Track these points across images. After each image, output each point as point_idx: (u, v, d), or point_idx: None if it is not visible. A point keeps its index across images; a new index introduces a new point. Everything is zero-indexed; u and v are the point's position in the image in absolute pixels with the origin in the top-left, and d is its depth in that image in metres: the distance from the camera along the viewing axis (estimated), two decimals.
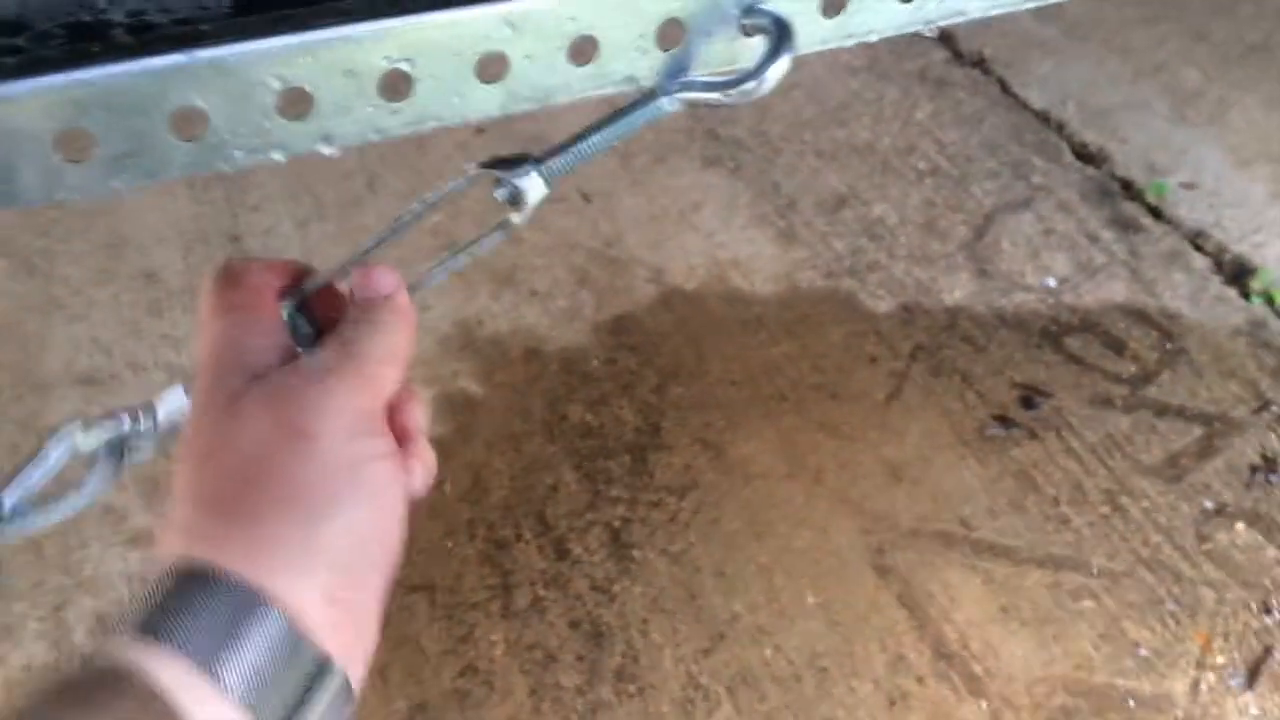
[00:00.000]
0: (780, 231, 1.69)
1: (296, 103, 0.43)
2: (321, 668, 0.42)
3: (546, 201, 0.55)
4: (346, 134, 0.46)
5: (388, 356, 0.48)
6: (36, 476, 0.50)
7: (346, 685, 0.43)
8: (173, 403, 0.52)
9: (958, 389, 1.44)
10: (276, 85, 0.43)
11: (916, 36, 2.17)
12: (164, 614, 0.41)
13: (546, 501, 1.29)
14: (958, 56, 2.11)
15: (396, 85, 0.45)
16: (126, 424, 0.50)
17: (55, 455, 0.50)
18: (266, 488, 0.43)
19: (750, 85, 0.49)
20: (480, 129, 1.82)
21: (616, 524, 1.27)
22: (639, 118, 0.52)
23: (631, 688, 1.12)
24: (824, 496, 1.30)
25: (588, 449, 1.35)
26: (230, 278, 0.50)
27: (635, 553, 1.24)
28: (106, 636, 0.41)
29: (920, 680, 1.12)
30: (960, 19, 0.55)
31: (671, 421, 1.39)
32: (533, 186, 0.53)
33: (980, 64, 2.08)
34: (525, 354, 1.47)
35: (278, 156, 0.47)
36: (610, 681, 1.12)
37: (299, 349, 0.49)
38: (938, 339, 1.51)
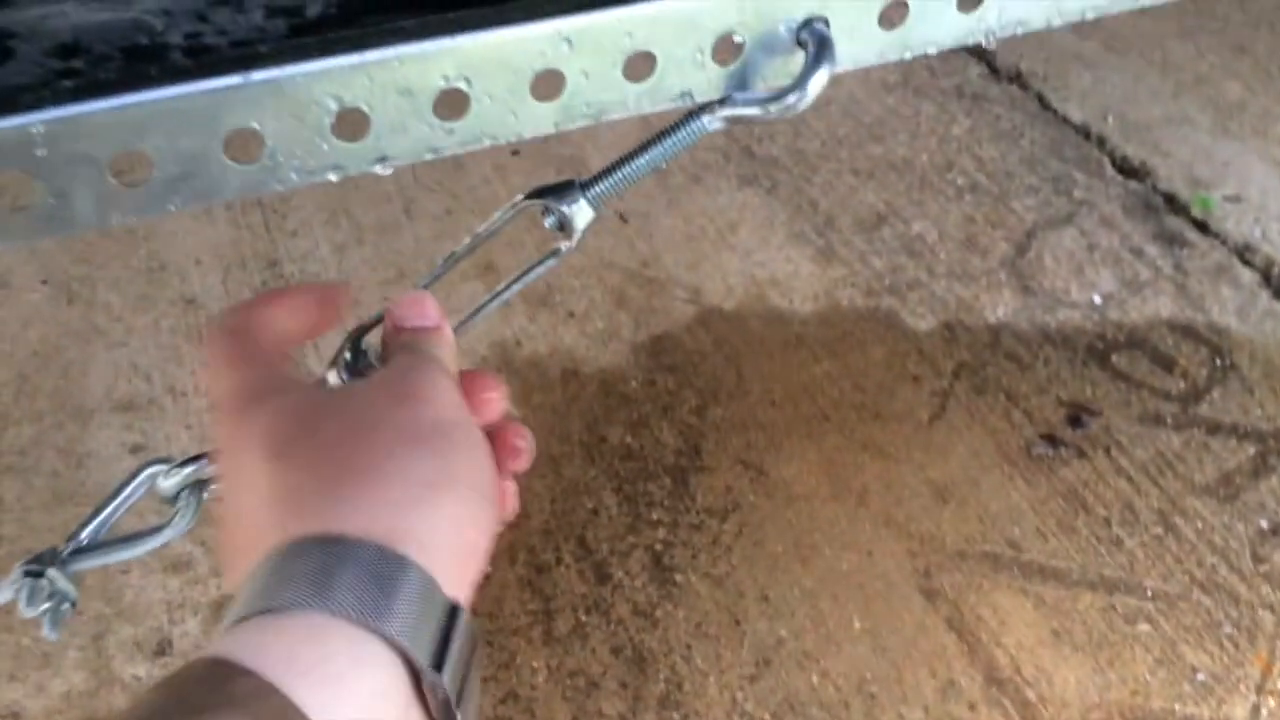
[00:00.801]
0: (819, 250, 1.68)
1: (352, 123, 0.43)
2: (453, 613, 0.41)
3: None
4: (401, 153, 0.45)
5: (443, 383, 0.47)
6: (114, 512, 0.51)
7: (474, 631, 0.42)
8: None
9: (1003, 408, 1.41)
10: (332, 106, 0.42)
11: (952, 52, 2.15)
12: (291, 583, 0.38)
13: (587, 525, 1.27)
14: (994, 72, 2.09)
15: (452, 104, 0.45)
16: (209, 467, 0.50)
17: (136, 493, 0.50)
18: (379, 444, 0.42)
19: (792, 99, 0.48)
20: (516, 150, 1.82)
21: (658, 547, 1.25)
22: (684, 138, 0.52)
23: (675, 715, 1.10)
24: (868, 518, 1.28)
25: (628, 471, 1.34)
26: (230, 334, 0.49)
27: (677, 576, 1.22)
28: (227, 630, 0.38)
29: (972, 707, 1.10)
30: (1021, 29, 0.54)
31: (712, 443, 1.38)
32: (580, 213, 0.53)
33: (1018, 79, 2.06)
34: (563, 375, 1.46)
35: (333, 177, 0.46)
36: (654, 709, 1.11)
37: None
38: (981, 357, 1.49)
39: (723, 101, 0.50)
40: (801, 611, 1.19)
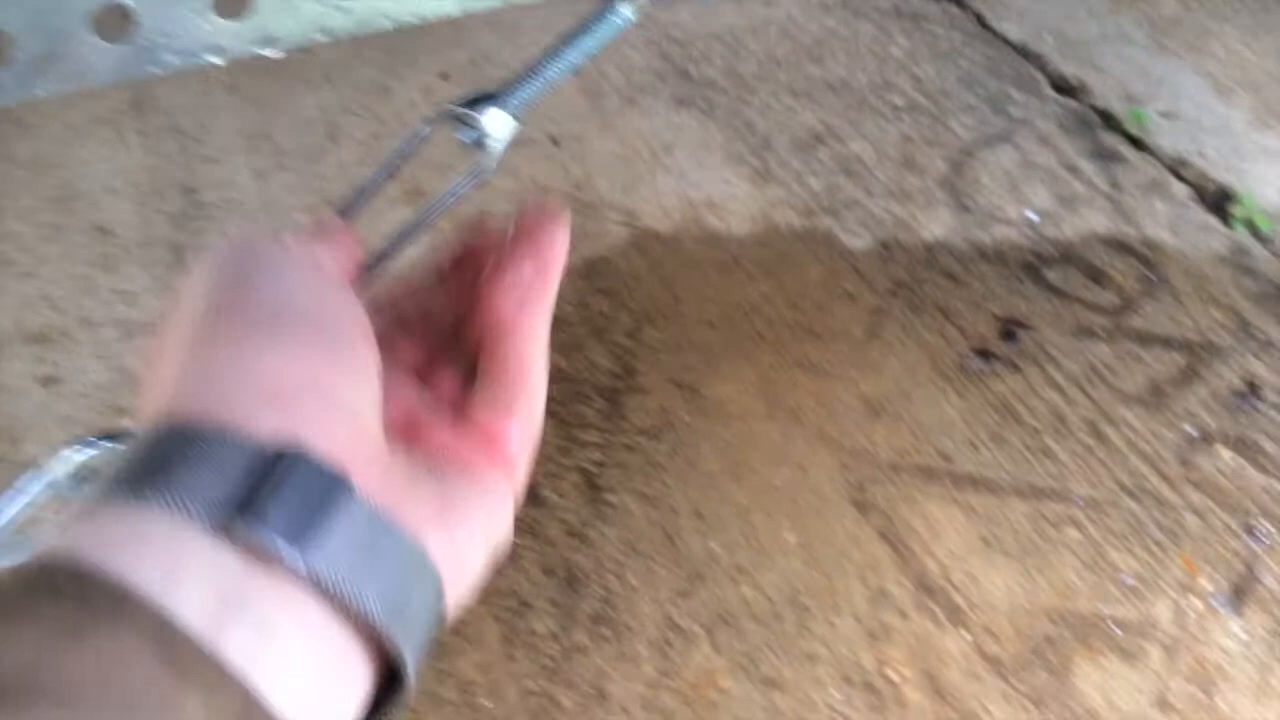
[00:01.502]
0: (755, 171, 1.66)
1: None
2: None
3: (514, 145, 0.51)
4: (290, 33, 0.42)
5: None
6: (11, 512, 0.46)
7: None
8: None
9: (937, 324, 1.41)
10: None
11: None
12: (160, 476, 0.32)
13: None
14: None
15: None
16: (109, 448, 0.45)
17: (34, 490, 0.46)
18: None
19: None
20: (445, 73, 1.77)
21: (591, 468, 1.24)
22: (600, 33, 0.49)
23: (608, 631, 1.10)
24: (802, 434, 1.28)
25: (561, 394, 1.32)
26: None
27: (610, 496, 1.21)
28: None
29: (902, 614, 1.10)
30: None
31: (646, 364, 1.36)
32: (499, 124, 0.50)
33: None
34: None
35: (215, 60, 0.43)
36: (586, 626, 1.10)
37: None
38: (916, 275, 1.48)
39: None
40: (734, 527, 1.18)
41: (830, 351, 1.38)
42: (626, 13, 0.47)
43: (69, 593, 0.29)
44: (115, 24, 0.36)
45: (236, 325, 0.36)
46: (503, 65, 1.81)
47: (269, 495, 0.32)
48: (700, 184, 1.63)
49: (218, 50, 0.41)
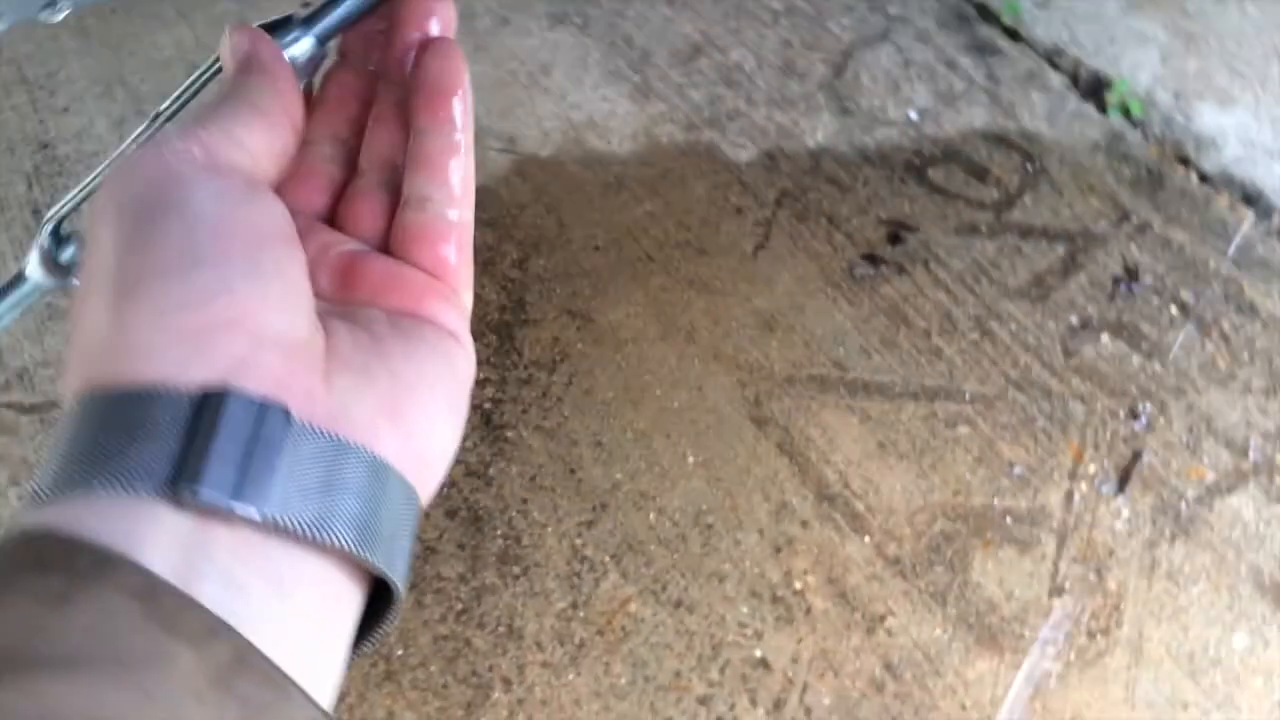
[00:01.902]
0: (635, 87, 1.62)
1: None
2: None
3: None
4: None
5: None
6: None
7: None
8: None
9: (825, 232, 1.41)
10: None
11: None
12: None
13: None
14: None
15: None
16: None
17: None
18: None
19: None
20: (307, 3, 1.69)
21: (487, 405, 1.23)
22: None
23: (516, 569, 1.10)
24: (697, 354, 1.28)
25: None
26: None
27: (509, 433, 1.20)
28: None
29: (805, 524, 1.12)
30: None
31: (536, 295, 1.34)
32: (302, 51, 0.47)
33: None
34: None
35: (55, 18, 0.39)
36: (493, 566, 1.10)
37: None
38: (802, 183, 1.48)
39: None
40: (635, 453, 1.18)
41: (720, 268, 1.38)
42: None
43: (55, 563, 0.29)
44: None
45: (145, 272, 0.34)
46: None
47: (204, 450, 0.31)
48: (580, 104, 1.60)
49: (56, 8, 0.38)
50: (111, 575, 0.29)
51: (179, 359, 0.33)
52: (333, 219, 0.44)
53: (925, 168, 1.49)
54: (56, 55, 1.55)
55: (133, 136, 0.48)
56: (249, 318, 0.34)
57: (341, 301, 0.40)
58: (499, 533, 1.12)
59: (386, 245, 0.43)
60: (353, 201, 0.44)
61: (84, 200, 0.48)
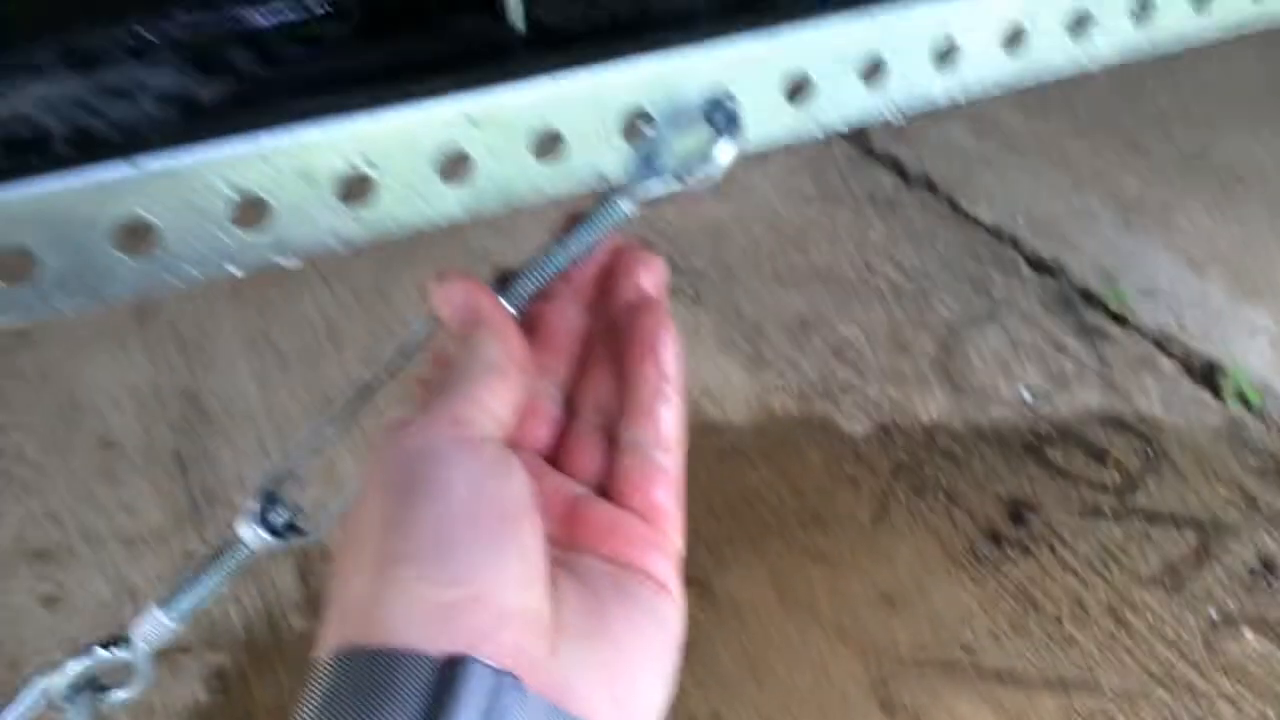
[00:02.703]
0: (748, 357, 1.68)
1: (252, 212, 0.41)
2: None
3: None
4: (305, 243, 0.43)
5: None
6: None
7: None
8: (149, 630, 0.47)
9: (944, 507, 1.41)
10: (230, 194, 0.40)
11: (864, 162, 2.21)
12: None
13: None
14: (905, 178, 2.15)
15: (357, 189, 0.43)
16: (98, 656, 0.46)
17: (27, 705, 0.45)
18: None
19: (702, 171, 0.48)
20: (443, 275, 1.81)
21: None
22: (601, 224, 0.51)
23: None
24: (820, 630, 1.25)
25: None
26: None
27: None
28: None
29: None
30: (926, 104, 0.54)
31: None
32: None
33: (927, 184, 2.12)
34: None
35: (233, 269, 0.44)
36: None
37: None
38: (918, 457, 1.49)
39: (634, 181, 0.49)
40: None
41: (838, 540, 1.37)
42: (624, 206, 0.49)
43: None
44: (138, 239, 0.38)
45: (404, 554, 0.39)
46: (501, 264, 1.85)
47: (448, 712, 0.35)
48: (694, 371, 1.65)
49: (236, 261, 0.43)
50: None
51: (428, 631, 0.37)
52: (554, 456, 0.49)
53: (1043, 447, 1.50)
54: (209, 313, 1.66)
55: (348, 402, 0.51)
56: (490, 596, 0.38)
57: (566, 546, 0.45)
58: None
59: (604, 487, 0.47)
60: (573, 442, 0.49)
61: (295, 467, 0.51)
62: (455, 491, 0.41)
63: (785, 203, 2.04)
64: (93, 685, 0.46)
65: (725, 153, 0.47)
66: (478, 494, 0.41)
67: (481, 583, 0.39)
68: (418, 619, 0.37)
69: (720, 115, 0.48)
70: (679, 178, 0.48)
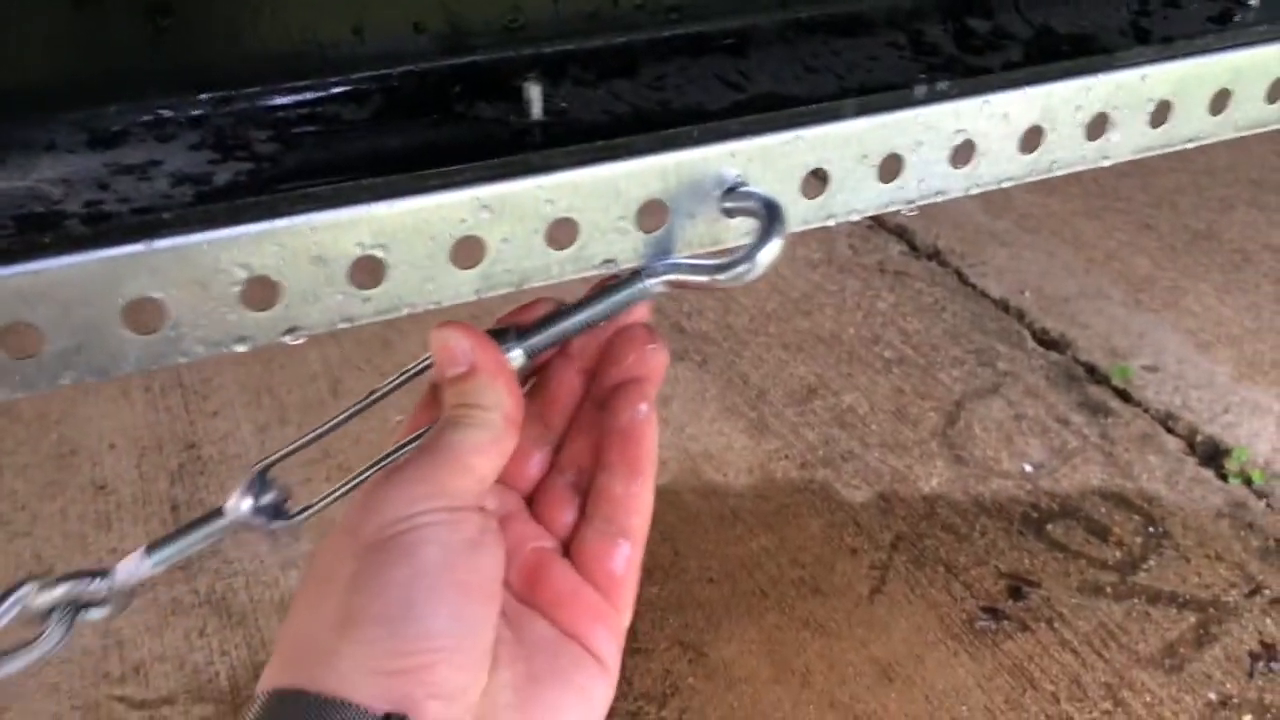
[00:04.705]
0: (751, 423, 1.68)
1: (261, 292, 0.41)
2: None
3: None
4: (314, 323, 0.43)
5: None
6: None
7: None
8: (131, 567, 0.49)
9: (943, 580, 1.39)
10: (240, 274, 0.40)
11: (873, 230, 2.22)
12: None
13: None
14: (914, 249, 2.16)
15: (368, 271, 0.43)
16: (83, 584, 0.48)
17: (7, 612, 0.47)
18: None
19: (742, 269, 0.47)
20: None
21: None
22: (624, 298, 0.51)
23: None
24: (813, 700, 1.23)
25: None
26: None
27: None
28: None
29: None
30: (941, 198, 0.54)
31: (648, 623, 1.33)
32: (514, 361, 0.51)
33: (936, 256, 2.13)
34: None
35: (240, 349, 0.44)
36: None
37: None
38: (918, 529, 1.47)
39: (668, 267, 0.49)
40: None
41: (835, 609, 1.35)
42: (651, 286, 0.49)
43: None
44: (146, 317, 0.38)
45: (366, 615, 0.41)
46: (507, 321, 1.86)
47: None
48: (697, 436, 1.64)
49: (243, 340, 0.43)
50: None
51: (374, 690, 0.40)
52: (534, 497, 0.50)
53: (1044, 522, 1.48)
54: (212, 364, 1.67)
55: (350, 409, 0.52)
56: (438, 667, 0.41)
57: (522, 599, 0.47)
58: None
59: (569, 546, 0.49)
60: (552, 493, 0.50)
61: (295, 452, 0.52)
62: (428, 562, 0.42)
63: (792, 268, 2.05)
64: (74, 604, 0.48)
65: (769, 253, 0.47)
66: (450, 568, 0.43)
67: (434, 654, 0.41)
68: (368, 677, 0.40)
69: (761, 209, 0.48)
70: (714, 275, 0.47)
